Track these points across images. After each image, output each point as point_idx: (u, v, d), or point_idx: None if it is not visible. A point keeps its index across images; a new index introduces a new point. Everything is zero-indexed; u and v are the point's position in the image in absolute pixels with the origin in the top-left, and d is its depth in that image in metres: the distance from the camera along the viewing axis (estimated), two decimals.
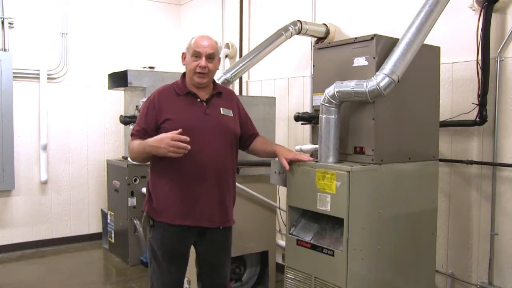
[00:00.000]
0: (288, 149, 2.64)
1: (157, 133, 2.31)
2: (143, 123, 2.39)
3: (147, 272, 4.46)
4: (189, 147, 2.18)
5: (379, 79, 2.28)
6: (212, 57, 2.42)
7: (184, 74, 2.50)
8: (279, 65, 4.41)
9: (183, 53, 2.48)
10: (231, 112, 2.52)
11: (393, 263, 2.52)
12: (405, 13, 2.99)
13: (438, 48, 2.71)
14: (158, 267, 2.42)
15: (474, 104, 2.82)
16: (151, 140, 2.24)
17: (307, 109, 3.97)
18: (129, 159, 2.30)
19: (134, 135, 2.40)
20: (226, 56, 5.03)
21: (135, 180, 4.64)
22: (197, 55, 2.39)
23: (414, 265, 2.65)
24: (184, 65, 2.46)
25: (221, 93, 2.52)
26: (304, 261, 2.51)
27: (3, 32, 4.91)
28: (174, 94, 2.43)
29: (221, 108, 2.47)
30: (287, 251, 2.65)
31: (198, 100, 2.42)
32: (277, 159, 2.61)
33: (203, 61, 2.37)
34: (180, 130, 2.20)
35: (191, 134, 2.24)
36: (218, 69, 2.52)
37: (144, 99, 4.43)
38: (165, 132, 2.25)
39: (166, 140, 2.17)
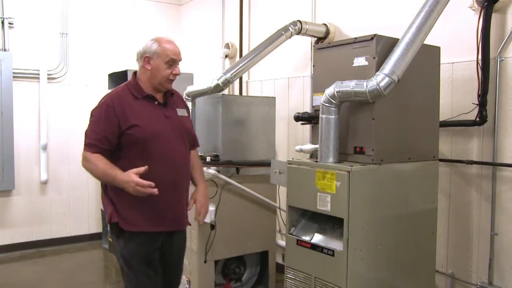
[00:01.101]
0: (205, 193, 2.62)
1: (120, 140, 2.25)
2: (103, 130, 2.24)
3: None
4: (154, 191, 2.13)
5: (379, 79, 2.28)
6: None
7: (135, 75, 2.41)
8: (279, 65, 4.41)
9: (146, 57, 2.34)
10: (185, 111, 2.52)
11: (393, 263, 2.52)
12: (405, 13, 3.00)
13: (438, 48, 2.71)
14: (134, 275, 2.33)
15: (474, 104, 2.82)
16: (120, 179, 2.15)
17: (307, 109, 3.97)
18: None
19: (94, 145, 2.23)
20: (226, 56, 5.04)
21: None
22: (172, 62, 2.35)
23: (414, 265, 2.65)
24: (147, 69, 2.34)
25: (173, 94, 2.49)
26: (304, 261, 2.51)
27: (3, 32, 4.91)
28: (131, 98, 2.33)
29: (177, 109, 2.46)
30: (287, 251, 2.65)
31: (156, 103, 2.38)
32: (277, 159, 2.61)
33: (178, 69, 2.38)
34: (146, 167, 2.15)
35: (158, 140, 2.27)
36: None
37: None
38: (132, 140, 2.24)
39: (132, 186, 2.11)
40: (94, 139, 2.24)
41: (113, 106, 2.27)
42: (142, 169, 2.14)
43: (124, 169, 2.19)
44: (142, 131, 2.26)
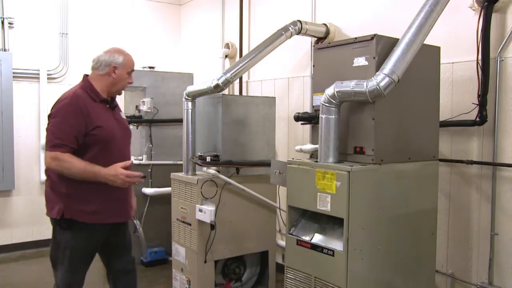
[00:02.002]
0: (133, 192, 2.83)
1: (84, 140, 2.39)
2: (72, 130, 2.36)
3: (147, 272, 4.49)
4: (142, 180, 2.47)
5: (379, 79, 2.28)
6: None
7: (87, 78, 2.60)
8: (279, 65, 4.41)
9: (114, 67, 2.56)
10: (123, 115, 2.80)
11: (393, 263, 2.52)
12: (405, 13, 2.99)
13: (438, 48, 2.71)
14: (70, 268, 2.49)
15: (474, 104, 2.82)
16: (105, 173, 2.36)
17: (307, 109, 3.97)
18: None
19: (64, 145, 2.34)
20: (226, 56, 5.04)
21: None
22: (131, 72, 2.65)
23: (414, 265, 2.65)
24: (114, 77, 2.57)
25: (113, 98, 2.69)
26: (304, 261, 2.51)
27: (3, 32, 4.91)
28: (91, 100, 2.50)
29: (120, 112, 2.73)
30: (287, 251, 2.65)
31: (108, 106, 2.61)
32: (277, 159, 2.62)
33: (132, 78, 2.67)
34: (131, 161, 2.47)
35: (114, 140, 2.51)
36: None
37: (146, 99, 4.50)
38: (93, 140, 2.41)
39: (122, 178, 2.37)
40: (64, 139, 2.35)
41: (79, 107, 2.41)
42: (128, 162, 2.43)
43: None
44: (104, 132, 2.45)
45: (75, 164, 2.34)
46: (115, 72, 2.56)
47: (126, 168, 2.41)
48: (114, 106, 2.66)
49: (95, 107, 2.48)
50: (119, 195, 2.54)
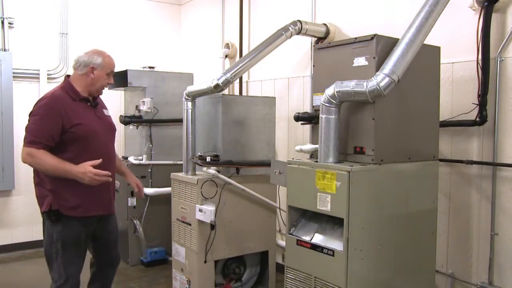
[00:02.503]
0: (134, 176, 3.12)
1: (63, 136, 2.53)
2: (48, 129, 2.50)
3: (147, 272, 4.49)
4: (110, 179, 2.54)
5: (379, 79, 2.28)
6: None
7: (68, 79, 2.72)
8: (279, 65, 4.41)
9: (92, 67, 2.69)
10: (108, 112, 2.91)
11: (393, 263, 2.52)
12: (405, 13, 3.00)
13: (438, 48, 2.71)
14: (65, 258, 2.62)
15: (474, 104, 2.82)
16: (76, 171, 2.46)
17: (307, 109, 3.97)
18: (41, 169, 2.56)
19: (39, 142, 2.48)
20: (226, 56, 5.04)
21: None
22: (111, 74, 2.77)
23: (414, 265, 2.65)
24: (92, 77, 2.69)
25: (97, 97, 2.83)
26: (304, 261, 2.51)
27: (3, 32, 4.91)
28: (70, 99, 2.63)
29: (103, 110, 2.85)
30: (287, 251, 2.65)
31: (89, 104, 2.73)
32: (277, 159, 2.62)
33: (112, 80, 2.80)
34: (100, 160, 2.51)
35: (95, 137, 2.64)
36: None
37: (146, 99, 4.51)
38: (72, 138, 2.54)
39: (90, 176, 2.45)
40: (39, 137, 2.49)
41: (57, 108, 2.55)
42: (97, 161, 2.49)
43: (68, 162, 2.50)
44: (83, 129, 2.59)
45: (47, 161, 2.47)
46: (93, 73, 2.69)
47: (96, 166, 2.48)
48: (95, 104, 2.77)
49: (74, 106, 2.62)
50: (99, 189, 2.61)
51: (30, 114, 2.58)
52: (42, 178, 2.60)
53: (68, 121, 2.54)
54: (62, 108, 2.55)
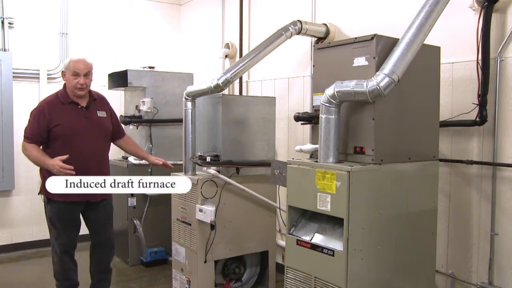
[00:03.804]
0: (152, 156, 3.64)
1: (49, 135, 3.07)
2: (36, 128, 3.08)
3: (147, 272, 4.49)
4: (73, 173, 2.92)
5: (379, 79, 2.28)
6: (88, 74, 3.14)
7: (65, 86, 3.18)
8: (279, 65, 4.41)
9: (62, 71, 3.18)
10: (105, 113, 3.30)
11: (393, 263, 2.52)
12: (405, 13, 2.99)
13: (438, 48, 2.71)
14: (56, 231, 3.18)
15: (474, 104, 2.82)
16: (48, 163, 2.96)
17: (307, 109, 3.97)
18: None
19: (29, 138, 3.08)
20: (226, 56, 5.04)
21: None
22: (76, 74, 3.08)
23: (414, 265, 2.65)
24: (65, 81, 3.15)
25: (96, 99, 3.27)
26: (304, 261, 2.51)
27: (3, 32, 4.91)
28: (60, 103, 3.13)
29: (97, 111, 3.24)
30: (287, 251, 2.65)
31: (79, 106, 3.16)
32: (277, 159, 2.62)
33: (81, 79, 3.09)
34: (67, 156, 2.94)
35: (76, 135, 3.09)
36: (92, 81, 3.24)
37: (146, 99, 4.52)
38: (56, 135, 3.06)
39: (57, 167, 2.91)
40: (31, 134, 3.09)
41: (44, 111, 3.09)
42: (64, 157, 2.95)
43: (52, 155, 3.02)
44: (62, 128, 3.07)
45: (32, 153, 3.08)
46: (65, 76, 3.15)
47: (76, 161, 2.97)
48: (87, 107, 3.19)
49: (61, 109, 3.11)
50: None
51: (30, 114, 3.14)
52: (41, 169, 3.18)
53: (51, 121, 3.06)
54: (48, 111, 3.07)
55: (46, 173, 3.09)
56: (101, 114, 3.27)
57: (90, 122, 3.17)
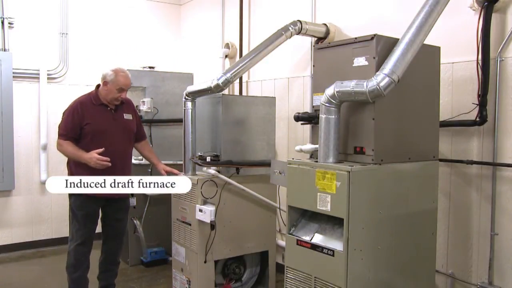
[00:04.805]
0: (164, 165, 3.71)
1: (80, 132, 3.28)
2: (70, 125, 3.29)
3: (147, 272, 4.49)
4: (109, 164, 3.16)
5: (379, 79, 2.28)
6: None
7: (97, 88, 3.40)
8: (279, 65, 4.41)
9: (105, 81, 3.33)
10: (131, 116, 3.53)
11: (393, 263, 2.52)
12: (405, 13, 2.99)
13: (438, 48, 2.71)
14: (78, 223, 3.35)
15: (474, 104, 2.82)
16: (86, 157, 3.18)
17: (307, 109, 3.97)
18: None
19: (64, 135, 3.29)
20: (226, 56, 5.03)
21: None
22: (121, 90, 3.34)
23: (414, 265, 2.65)
24: (105, 89, 3.34)
25: (123, 103, 3.47)
26: (304, 261, 2.51)
27: (3, 32, 4.91)
28: (91, 104, 3.35)
29: (124, 114, 3.47)
30: (287, 251, 2.65)
31: (108, 109, 3.38)
32: (277, 159, 2.62)
33: (124, 95, 3.40)
34: (103, 149, 3.17)
35: (105, 134, 3.31)
36: None
37: (146, 99, 4.53)
38: (86, 132, 3.27)
39: (94, 160, 3.15)
40: (65, 131, 3.29)
41: (77, 109, 3.31)
42: (100, 150, 3.17)
43: (84, 150, 3.23)
44: (92, 127, 3.29)
45: (67, 149, 3.28)
46: (106, 86, 3.33)
47: (101, 154, 3.17)
48: (116, 109, 3.42)
49: (92, 109, 3.33)
50: (106, 175, 3.16)
51: (63, 113, 3.36)
52: (69, 164, 3.40)
53: (83, 120, 3.28)
54: (80, 110, 3.29)
55: (73, 167, 3.33)
56: (128, 116, 3.50)
57: (117, 124, 3.40)
